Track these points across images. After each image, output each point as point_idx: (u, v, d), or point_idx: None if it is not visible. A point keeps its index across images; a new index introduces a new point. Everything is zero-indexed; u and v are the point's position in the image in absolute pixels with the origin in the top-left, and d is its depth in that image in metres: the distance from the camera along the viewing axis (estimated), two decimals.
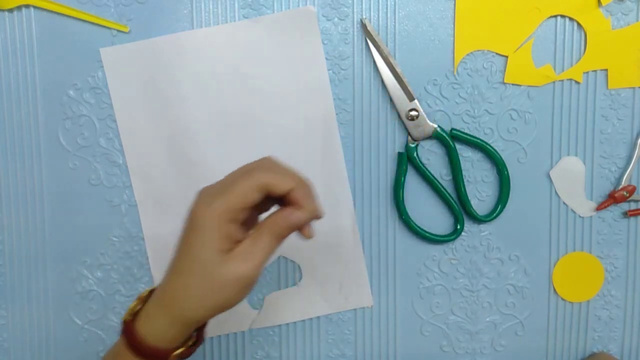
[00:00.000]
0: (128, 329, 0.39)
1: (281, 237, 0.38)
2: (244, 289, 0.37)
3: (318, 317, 0.56)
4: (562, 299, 0.56)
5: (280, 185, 0.37)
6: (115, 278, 0.55)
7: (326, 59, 0.53)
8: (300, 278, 0.55)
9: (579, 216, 0.55)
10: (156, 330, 0.38)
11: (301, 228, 0.39)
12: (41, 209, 0.54)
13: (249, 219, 0.39)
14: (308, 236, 0.40)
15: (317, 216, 0.39)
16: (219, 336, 0.56)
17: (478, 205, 0.55)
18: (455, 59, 0.53)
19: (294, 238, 0.55)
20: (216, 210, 0.36)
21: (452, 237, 0.54)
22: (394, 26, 0.53)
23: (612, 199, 0.54)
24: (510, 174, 0.54)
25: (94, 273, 0.55)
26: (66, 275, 0.55)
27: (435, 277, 0.56)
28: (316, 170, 0.54)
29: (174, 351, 0.39)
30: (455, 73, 0.53)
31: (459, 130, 0.53)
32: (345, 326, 0.56)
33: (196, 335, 0.41)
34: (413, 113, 0.53)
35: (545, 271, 0.56)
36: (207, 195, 0.38)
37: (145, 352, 0.38)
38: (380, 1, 0.53)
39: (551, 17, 0.53)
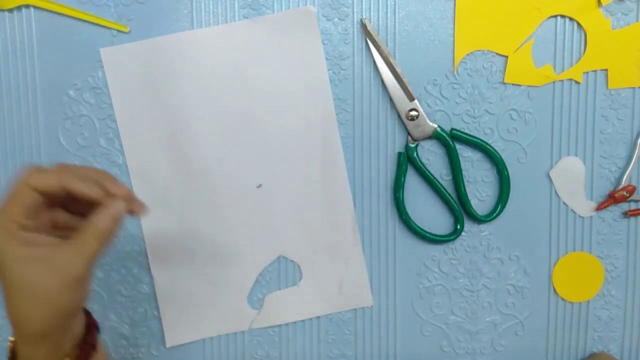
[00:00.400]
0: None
1: (105, 235, 0.37)
2: (67, 289, 0.36)
3: (318, 317, 0.56)
4: (562, 299, 0.56)
5: (49, 182, 0.36)
6: (115, 278, 0.55)
7: (326, 59, 0.53)
8: (300, 278, 0.55)
9: (579, 216, 0.55)
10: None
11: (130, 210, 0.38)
12: None
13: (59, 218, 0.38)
14: (139, 212, 0.39)
15: (127, 197, 0.38)
16: (219, 336, 0.56)
17: (478, 205, 0.55)
18: (455, 59, 0.53)
19: (294, 238, 0.55)
20: (1, 227, 0.35)
21: (452, 237, 0.54)
22: (394, 26, 0.53)
23: (612, 199, 0.54)
24: (510, 174, 0.54)
25: (94, 273, 0.55)
26: None
27: (435, 277, 0.56)
28: (316, 170, 0.54)
29: None
30: (455, 73, 0.53)
31: (459, 130, 0.53)
32: (345, 326, 0.56)
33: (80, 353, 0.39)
34: (413, 113, 0.53)
35: (545, 271, 0.56)
36: None
37: None
38: (380, 1, 0.53)
39: (551, 17, 0.53)
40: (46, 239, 0.37)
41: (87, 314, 0.42)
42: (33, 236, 0.36)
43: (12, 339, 0.38)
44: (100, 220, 0.37)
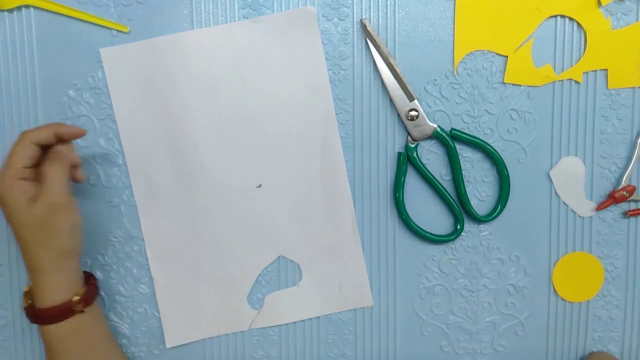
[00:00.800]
0: (35, 312, 0.47)
1: (63, 162, 0.47)
2: (61, 213, 0.46)
3: (318, 317, 0.56)
4: (562, 299, 0.56)
5: (44, 133, 0.46)
6: (115, 278, 0.55)
7: (326, 59, 0.53)
8: (300, 278, 0.55)
9: (579, 216, 0.55)
10: (50, 294, 0.46)
11: (74, 174, 0.49)
12: None
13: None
14: (80, 179, 0.50)
15: (78, 133, 0.48)
16: (219, 336, 0.56)
17: (478, 205, 0.55)
18: (455, 59, 0.53)
19: (294, 238, 0.55)
20: (6, 178, 0.44)
21: (452, 237, 0.54)
22: (394, 26, 0.53)
23: (612, 199, 0.54)
24: (510, 174, 0.54)
25: (94, 273, 0.55)
26: None
27: (435, 277, 0.56)
28: (316, 170, 0.54)
29: (68, 305, 0.47)
30: (455, 73, 0.53)
31: (458, 130, 0.53)
32: (345, 326, 0.56)
33: (85, 283, 0.50)
34: (413, 113, 0.53)
35: (545, 271, 0.56)
36: None
37: (54, 315, 0.47)
38: (380, 1, 0.53)
39: (551, 17, 0.53)
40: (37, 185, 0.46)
41: (86, 273, 0.52)
42: (28, 184, 0.45)
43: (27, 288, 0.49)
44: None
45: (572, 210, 0.55)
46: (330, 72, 0.53)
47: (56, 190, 0.45)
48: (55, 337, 0.47)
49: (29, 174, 0.46)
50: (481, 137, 0.54)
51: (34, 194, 0.45)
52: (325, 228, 0.55)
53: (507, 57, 0.53)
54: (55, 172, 0.46)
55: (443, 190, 0.54)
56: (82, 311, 0.48)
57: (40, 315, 0.47)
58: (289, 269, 0.55)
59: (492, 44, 0.53)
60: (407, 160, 0.53)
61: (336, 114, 0.54)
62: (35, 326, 0.55)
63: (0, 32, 0.53)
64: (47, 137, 0.46)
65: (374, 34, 0.52)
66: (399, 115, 0.53)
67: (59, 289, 0.47)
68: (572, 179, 0.54)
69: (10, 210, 0.45)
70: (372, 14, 0.53)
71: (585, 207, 0.55)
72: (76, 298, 0.47)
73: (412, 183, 0.54)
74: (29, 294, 0.48)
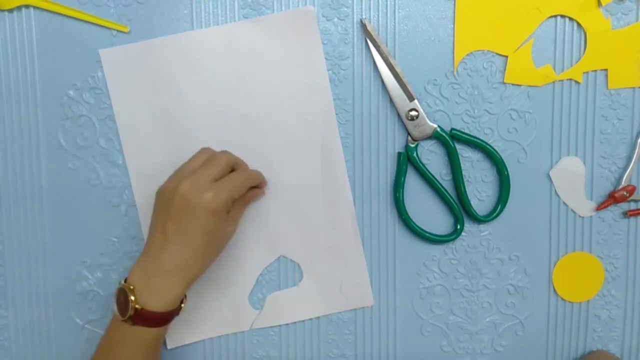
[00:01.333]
0: (142, 312, 0.45)
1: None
2: (227, 241, 0.50)
3: (318, 317, 0.56)
4: (562, 299, 0.56)
5: (256, 180, 0.52)
6: (115, 278, 0.55)
7: (326, 59, 0.53)
8: (301, 278, 0.55)
9: (579, 216, 0.55)
10: (167, 297, 0.46)
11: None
12: (41, 209, 0.54)
13: None
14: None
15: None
16: (219, 336, 0.56)
17: (478, 205, 0.55)
18: (455, 59, 0.53)
19: (294, 238, 0.55)
20: (223, 200, 0.46)
21: (452, 237, 0.54)
22: (394, 26, 0.53)
23: (612, 199, 0.54)
24: (510, 174, 0.54)
25: (94, 273, 0.55)
26: (66, 276, 0.55)
27: (435, 277, 0.56)
28: (316, 170, 0.54)
29: (179, 309, 0.48)
30: (455, 73, 0.53)
31: (459, 130, 0.53)
32: (345, 326, 0.56)
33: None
34: (413, 113, 0.53)
35: (545, 271, 0.56)
36: (204, 186, 0.46)
37: (161, 320, 0.46)
38: (380, 1, 0.53)
39: (551, 17, 0.53)
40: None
41: None
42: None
43: (128, 285, 0.46)
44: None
45: (572, 210, 0.55)
46: (330, 72, 0.53)
47: (242, 208, 0.52)
48: (147, 340, 0.46)
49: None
50: (481, 137, 0.54)
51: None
52: (325, 228, 0.55)
53: (507, 57, 0.53)
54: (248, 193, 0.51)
55: (443, 190, 0.54)
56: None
57: (152, 317, 0.45)
58: (290, 269, 0.55)
59: (492, 44, 0.53)
60: (407, 160, 0.53)
61: (336, 114, 0.54)
62: (35, 326, 0.55)
63: (0, 32, 0.53)
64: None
65: (374, 34, 0.52)
66: (399, 115, 0.53)
67: (181, 294, 0.47)
68: (572, 179, 0.54)
69: (209, 220, 0.45)
70: (372, 14, 0.53)
71: (585, 207, 0.55)
72: (182, 305, 0.48)
73: (412, 183, 0.54)
74: (131, 291, 0.45)
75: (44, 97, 0.53)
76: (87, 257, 0.55)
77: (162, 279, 0.46)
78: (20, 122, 0.53)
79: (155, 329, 0.46)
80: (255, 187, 0.53)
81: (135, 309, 0.45)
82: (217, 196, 0.45)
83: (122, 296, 0.46)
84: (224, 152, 0.49)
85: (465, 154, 0.54)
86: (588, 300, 0.56)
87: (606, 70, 0.53)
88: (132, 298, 0.45)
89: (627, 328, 0.56)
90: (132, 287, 0.46)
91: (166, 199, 0.46)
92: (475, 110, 0.54)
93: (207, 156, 0.49)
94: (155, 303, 0.45)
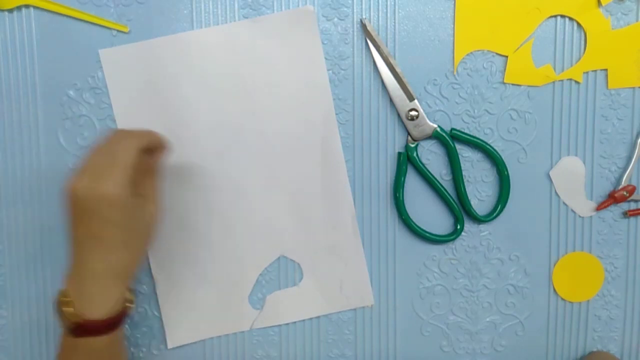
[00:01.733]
0: (83, 323, 0.42)
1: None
2: (156, 223, 0.46)
3: (318, 317, 0.56)
4: (562, 299, 0.56)
5: (153, 142, 0.46)
6: None
7: (326, 59, 0.53)
8: (301, 278, 0.55)
9: (579, 216, 0.55)
10: (106, 302, 0.42)
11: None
12: (41, 209, 0.54)
13: None
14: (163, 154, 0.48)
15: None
16: (219, 336, 0.56)
17: (478, 205, 0.55)
18: (455, 59, 0.53)
19: (294, 238, 0.55)
20: (116, 184, 0.40)
21: (452, 237, 0.54)
22: (394, 26, 0.53)
23: (612, 199, 0.54)
24: (510, 174, 0.54)
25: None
26: None
27: (435, 277, 0.56)
28: (316, 170, 0.54)
29: (125, 311, 0.44)
30: (455, 73, 0.53)
31: (459, 130, 0.53)
32: (345, 326, 0.56)
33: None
34: (413, 113, 0.53)
35: (545, 271, 0.56)
36: (96, 175, 0.41)
37: (106, 327, 0.42)
38: (380, 1, 0.53)
39: (551, 17, 0.53)
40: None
41: None
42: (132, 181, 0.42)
43: (63, 297, 0.42)
44: None
45: (572, 210, 0.55)
46: (330, 72, 0.53)
47: (154, 181, 0.46)
48: (100, 349, 0.43)
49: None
50: (481, 137, 0.54)
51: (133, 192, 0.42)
52: (325, 228, 0.55)
53: (507, 57, 0.53)
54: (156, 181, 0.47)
55: (443, 190, 0.54)
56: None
57: (95, 326, 0.42)
58: (290, 268, 0.55)
59: (492, 44, 0.53)
60: (407, 160, 0.53)
61: (336, 114, 0.54)
62: (34, 326, 0.55)
63: (0, 32, 0.53)
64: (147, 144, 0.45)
65: (374, 34, 0.52)
66: (399, 115, 0.53)
67: (120, 296, 0.43)
68: (572, 179, 0.54)
69: (112, 212, 0.41)
70: (372, 14, 0.53)
71: (585, 207, 0.55)
72: (130, 306, 0.44)
73: (412, 183, 0.54)
74: (68, 303, 0.42)
75: (44, 97, 0.53)
76: None
77: (95, 284, 0.42)
78: (20, 122, 0.53)
79: (106, 336, 0.42)
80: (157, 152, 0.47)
81: (75, 322, 0.42)
82: (106, 183, 0.40)
83: (60, 309, 0.42)
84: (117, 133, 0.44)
85: (465, 154, 0.54)
86: (588, 300, 0.56)
87: (606, 70, 0.53)
88: (70, 310, 0.41)
89: (627, 328, 0.56)
90: (68, 299, 0.42)
91: (66, 203, 0.42)
92: (475, 110, 0.54)
93: (97, 147, 0.43)
94: (95, 311, 0.42)
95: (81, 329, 0.42)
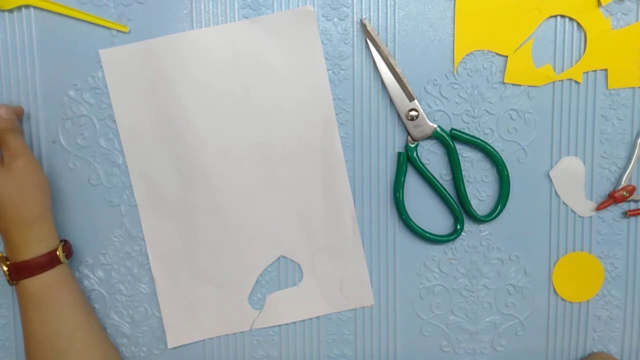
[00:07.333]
0: (20, 265, 0.48)
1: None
2: (33, 164, 0.49)
3: (318, 317, 0.56)
4: (562, 299, 0.56)
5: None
6: (116, 278, 0.55)
7: (326, 59, 0.53)
8: (301, 278, 0.55)
9: (579, 216, 0.55)
10: (31, 247, 0.48)
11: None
12: None
13: None
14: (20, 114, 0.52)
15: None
16: (219, 336, 0.56)
17: (478, 205, 0.55)
18: (455, 59, 0.53)
19: (294, 238, 0.55)
20: None
21: (452, 237, 0.54)
22: (394, 26, 0.53)
23: (612, 199, 0.54)
24: (510, 174, 0.54)
25: (95, 273, 0.55)
26: None
27: (435, 277, 0.56)
28: (316, 170, 0.54)
29: (51, 254, 0.50)
30: (455, 73, 0.53)
31: (458, 130, 0.53)
32: (345, 326, 0.56)
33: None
34: (413, 113, 0.53)
35: (545, 271, 0.56)
36: None
37: (38, 265, 0.49)
38: (380, 1, 0.53)
39: (551, 17, 0.53)
40: None
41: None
42: None
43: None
44: None
45: (572, 210, 0.55)
46: (330, 72, 0.53)
47: (19, 148, 0.49)
48: (42, 287, 0.49)
49: None
50: (481, 137, 0.54)
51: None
52: (325, 228, 0.55)
53: (507, 57, 0.53)
54: (10, 135, 0.49)
55: (443, 190, 0.54)
56: (62, 263, 0.50)
57: (26, 267, 0.48)
58: (290, 268, 0.55)
59: (492, 44, 0.53)
60: (407, 160, 0.53)
61: (336, 114, 0.54)
62: None
63: (0, 32, 0.53)
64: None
65: (374, 34, 0.52)
66: (399, 115, 0.53)
67: (45, 238, 0.49)
68: (572, 179, 0.54)
69: None
70: (372, 14, 0.53)
71: (585, 207, 0.55)
72: (60, 246, 0.50)
73: (412, 183, 0.54)
74: (3, 259, 0.49)
75: (44, 97, 0.53)
76: (88, 257, 0.55)
77: (17, 235, 0.48)
78: (20, 122, 0.53)
79: (40, 276, 0.48)
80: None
81: (11, 265, 0.48)
82: None
83: None
84: None
85: (465, 154, 0.54)
86: (588, 300, 0.56)
87: (606, 70, 0.53)
88: (2, 255, 0.49)
89: (627, 328, 0.56)
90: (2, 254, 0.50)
91: None
92: (475, 110, 0.54)
93: None
94: (22, 255, 0.48)
95: (18, 271, 0.48)
